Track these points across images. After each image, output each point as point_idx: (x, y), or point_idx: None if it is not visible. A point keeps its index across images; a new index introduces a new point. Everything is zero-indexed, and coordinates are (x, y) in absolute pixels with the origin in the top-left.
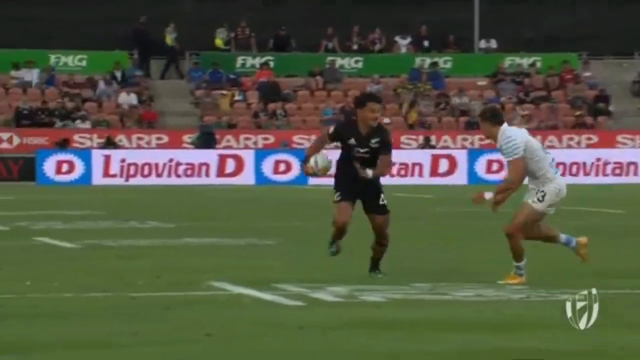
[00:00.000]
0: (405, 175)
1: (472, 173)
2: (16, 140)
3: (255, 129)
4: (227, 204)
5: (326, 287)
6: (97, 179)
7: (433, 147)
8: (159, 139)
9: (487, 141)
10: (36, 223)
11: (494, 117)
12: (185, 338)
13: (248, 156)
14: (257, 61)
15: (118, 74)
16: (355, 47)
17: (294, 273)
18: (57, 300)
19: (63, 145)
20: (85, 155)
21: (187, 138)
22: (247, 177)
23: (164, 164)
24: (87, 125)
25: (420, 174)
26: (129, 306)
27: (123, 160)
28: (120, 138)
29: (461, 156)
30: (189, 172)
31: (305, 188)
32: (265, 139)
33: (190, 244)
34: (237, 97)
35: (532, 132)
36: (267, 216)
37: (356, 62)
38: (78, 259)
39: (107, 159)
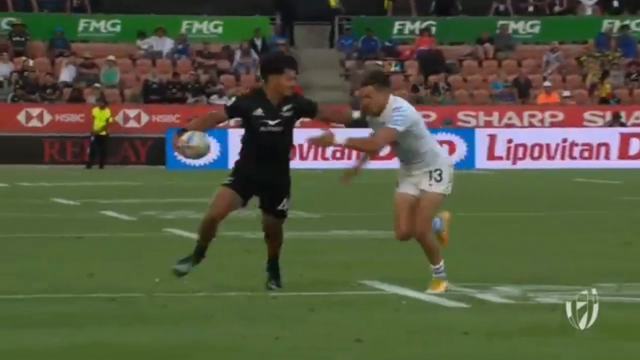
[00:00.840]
0: (589, 158)
1: None
2: (144, 118)
3: (415, 104)
4: (380, 191)
5: (494, 286)
6: (234, 161)
7: (623, 124)
8: None
9: None
10: (166, 212)
11: (386, 83)
12: (333, 344)
13: None
14: (417, 26)
15: (258, 42)
16: (531, 8)
17: (457, 270)
18: (189, 299)
19: None
20: (221, 134)
21: None
22: None
23: (309, 146)
24: (223, 101)
25: (607, 156)
26: (269, 307)
27: None
28: None
29: None
30: (338, 154)
31: (471, 173)
32: (426, 115)
33: (339, 237)
34: (393, 68)
35: None
36: None
37: (532, 26)
38: (212, 253)
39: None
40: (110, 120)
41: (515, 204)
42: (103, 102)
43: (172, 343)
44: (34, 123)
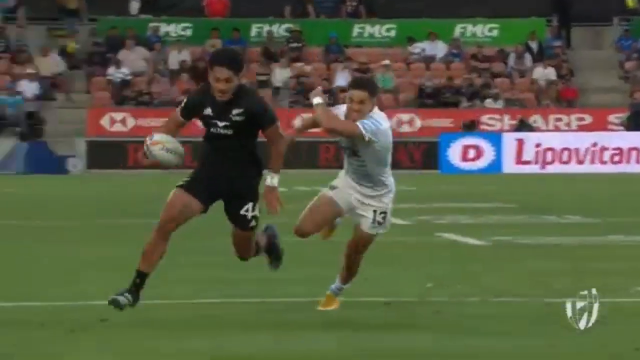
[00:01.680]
0: None
1: None
2: (418, 123)
3: None
4: None
5: None
6: (509, 166)
7: None
8: (580, 119)
9: None
10: (440, 217)
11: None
12: (610, 352)
13: None
14: None
15: (533, 45)
16: None
17: None
18: (462, 305)
19: (470, 127)
20: (495, 138)
21: (614, 118)
22: None
23: (586, 149)
24: (498, 105)
25: None
26: (543, 314)
27: (538, 145)
28: (535, 119)
29: None
30: (616, 158)
31: None
32: None
33: (618, 243)
34: None
35: None
36: None
37: None
38: (486, 258)
39: (520, 143)
40: None
41: None
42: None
43: (443, 350)
44: None
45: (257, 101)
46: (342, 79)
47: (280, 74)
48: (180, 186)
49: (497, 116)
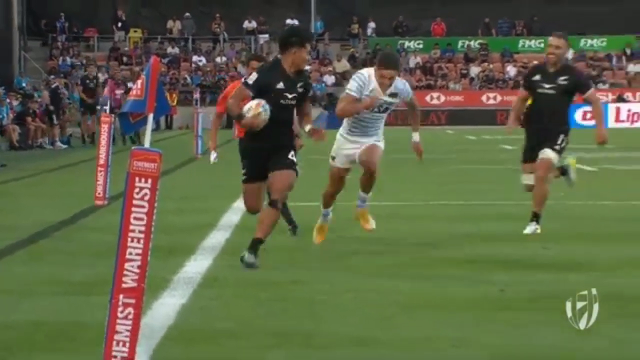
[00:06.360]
0: None
1: None
2: None
3: None
4: None
5: None
6: (611, 124)
7: None
8: None
9: None
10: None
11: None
12: None
13: None
14: None
15: (628, 51)
16: None
17: None
18: None
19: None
20: (604, 107)
21: None
22: None
23: None
24: (605, 86)
25: None
26: None
27: (629, 110)
28: (627, 95)
29: None
30: None
31: None
32: None
33: None
34: None
35: None
36: None
37: None
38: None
39: (617, 109)
40: None
41: None
42: None
43: None
44: (491, 102)
45: (308, 76)
46: (511, 72)
47: (474, 70)
48: (246, 181)
49: (603, 94)
